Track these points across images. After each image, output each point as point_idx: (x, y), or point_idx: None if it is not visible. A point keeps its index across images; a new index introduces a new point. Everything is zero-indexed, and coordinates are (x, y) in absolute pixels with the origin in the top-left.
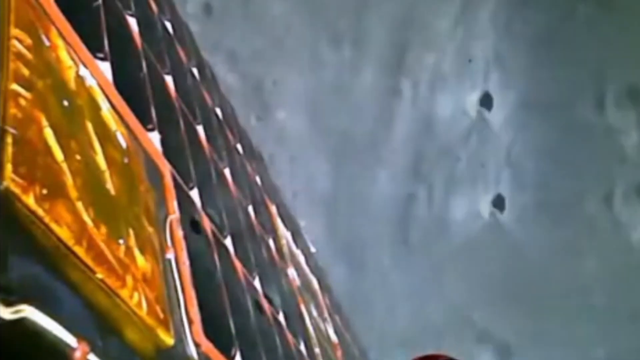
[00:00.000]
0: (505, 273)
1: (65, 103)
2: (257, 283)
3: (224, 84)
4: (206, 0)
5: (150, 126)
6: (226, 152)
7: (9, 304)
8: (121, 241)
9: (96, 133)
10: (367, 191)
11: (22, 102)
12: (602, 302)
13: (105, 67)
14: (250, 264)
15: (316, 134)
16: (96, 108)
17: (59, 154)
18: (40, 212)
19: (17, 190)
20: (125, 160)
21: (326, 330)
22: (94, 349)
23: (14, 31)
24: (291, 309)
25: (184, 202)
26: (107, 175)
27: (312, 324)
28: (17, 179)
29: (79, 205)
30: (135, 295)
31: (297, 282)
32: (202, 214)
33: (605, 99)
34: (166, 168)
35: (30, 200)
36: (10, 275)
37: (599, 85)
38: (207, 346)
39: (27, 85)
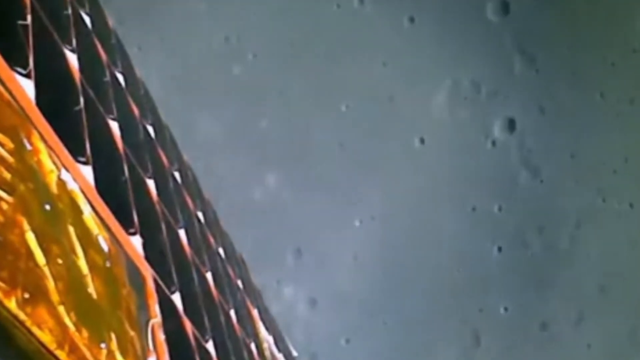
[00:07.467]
0: None
1: (47, 207)
2: None
3: None
4: None
5: (132, 230)
6: (208, 256)
7: None
8: (103, 345)
9: (78, 237)
10: None
11: (4, 206)
12: None
13: (87, 171)
14: None
15: None
16: (78, 212)
17: (40, 258)
18: (22, 316)
19: None
20: (107, 264)
21: None
22: None
23: None
24: None
25: (166, 306)
26: (89, 279)
27: None
28: None
29: (61, 309)
30: None
31: None
32: (184, 317)
33: None
34: (148, 272)
35: (12, 304)
36: None
37: None
38: None
39: (9, 189)
